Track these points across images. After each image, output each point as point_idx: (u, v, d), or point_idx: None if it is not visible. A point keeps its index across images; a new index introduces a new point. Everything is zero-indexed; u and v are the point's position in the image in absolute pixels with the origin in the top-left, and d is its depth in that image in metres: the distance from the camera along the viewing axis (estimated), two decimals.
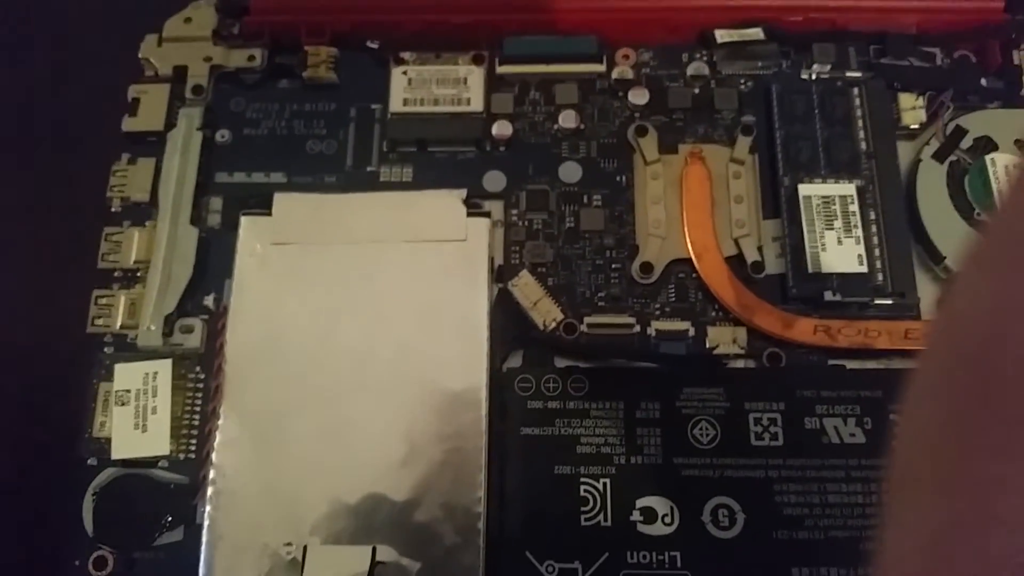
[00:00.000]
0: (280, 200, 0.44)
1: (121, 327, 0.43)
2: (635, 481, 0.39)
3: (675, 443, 0.40)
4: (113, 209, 0.46)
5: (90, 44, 0.51)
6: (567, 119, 0.47)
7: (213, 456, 0.40)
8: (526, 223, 0.45)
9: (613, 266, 0.44)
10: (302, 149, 0.47)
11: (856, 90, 0.46)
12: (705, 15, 0.48)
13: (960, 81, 0.47)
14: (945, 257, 0.43)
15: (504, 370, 0.42)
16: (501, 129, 0.46)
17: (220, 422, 0.40)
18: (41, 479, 0.42)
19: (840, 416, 0.40)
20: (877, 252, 0.43)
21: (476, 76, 0.48)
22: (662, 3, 0.48)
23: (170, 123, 0.47)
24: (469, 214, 0.44)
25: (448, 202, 0.44)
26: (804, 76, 0.47)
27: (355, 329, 0.42)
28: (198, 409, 0.42)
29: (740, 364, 0.42)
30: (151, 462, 0.41)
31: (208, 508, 0.39)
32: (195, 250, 0.44)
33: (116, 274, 0.45)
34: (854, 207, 0.44)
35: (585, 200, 0.46)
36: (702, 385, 0.41)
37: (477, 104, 0.47)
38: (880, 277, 0.43)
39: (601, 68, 0.48)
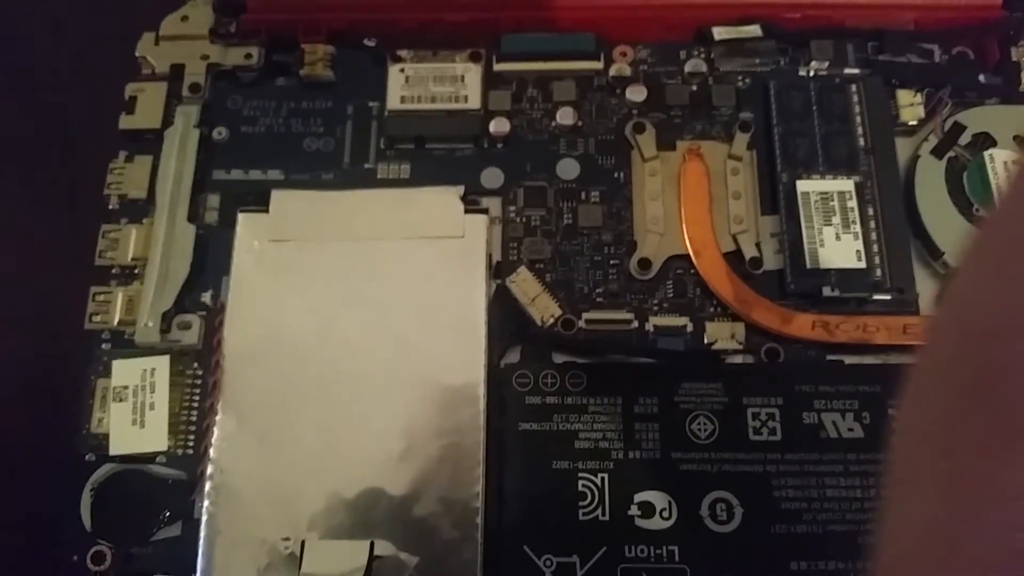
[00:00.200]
0: (277, 197, 0.44)
1: (119, 324, 0.43)
2: (633, 476, 0.39)
3: (673, 438, 0.40)
4: (111, 206, 0.46)
5: (87, 42, 0.51)
6: (565, 116, 0.47)
7: (211, 452, 0.39)
8: (524, 219, 0.45)
9: (611, 262, 0.44)
10: (299, 146, 0.47)
11: (854, 87, 0.46)
12: (703, 12, 0.48)
13: (958, 77, 0.47)
14: (944, 253, 0.43)
15: (502, 366, 0.42)
16: (499, 126, 0.46)
17: (218, 418, 0.40)
18: (39, 475, 0.42)
19: (838, 411, 0.40)
20: (875, 248, 0.43)
21: (473, 73, 0.48)
22: (660, 0, 0.48)
23: (167, 121, 0.47)
24: (467, 211, 0.44)
25: (446, 199, 0.44)
26: (802, 73, 0.47)
27: (353, 326, 0.41)
28: (196, 405, 0.42)
29: (738, 359, 0.42)
30: (149, 458, 0.41)
31: (206, 503, 0.39)
32: (193, 247, 0.44)
33: (114, 271, 0.45)
34: (852, 203, 0.44)
35: (583, 196, 0.46)
36: (700, 380, 0.41)
37: (475, 101, 0.47)
38: (878, 273, 0.43)
39: (599, 65, 0.48)
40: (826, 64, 0.47)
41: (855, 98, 0.46)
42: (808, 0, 0.48)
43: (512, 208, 0.45)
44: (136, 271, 0.44)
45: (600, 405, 0.40)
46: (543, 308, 0.43)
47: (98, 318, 0.43)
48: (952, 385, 0.18)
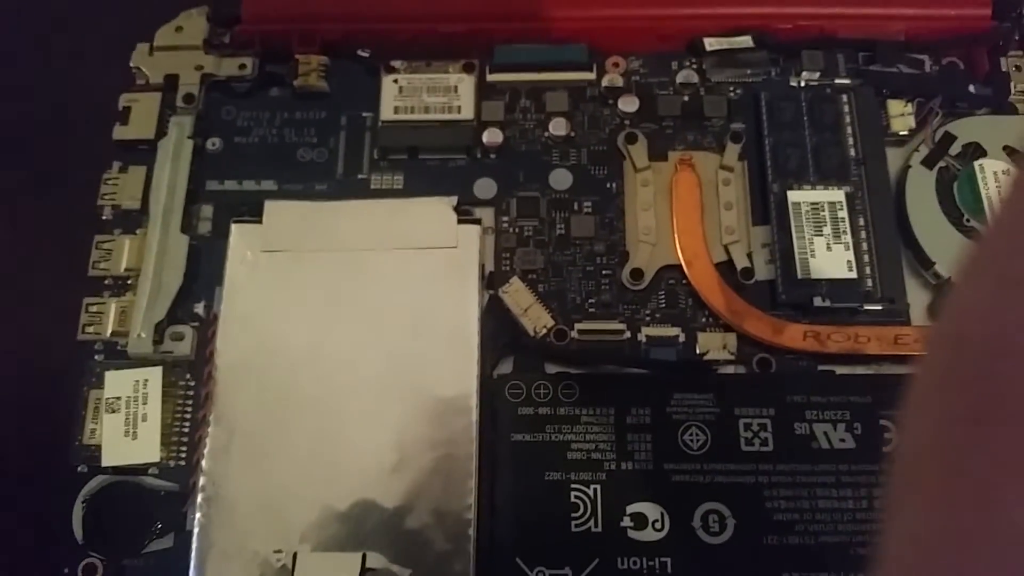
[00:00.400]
0: (271, 208, 0.44)
1: (112, 335, 0.43)
2: (625, 487, 0.39)
3: (665, 449, 0.40)
4: (104, 217, 0.46)
5: (82, 53, 0.51)
6: (557, 127, 0.47)
7: (203, 463, 0.39)
8: (517, 230, 0.45)
9: (603, 272, 0.44)
10: (293, 157, 0.47)
11: (845, 97, 0.47)
12: (694, 23, 0.48)
13: (948, 88, 0.47)
14: (934, 263, 0.43)
15: (495, 376, 0.42)
16: (492, 137, 0.47)
17: (210, 429, 0.40)
18: (31, 486, 0.42)
19: (830, 421, 0.40)
20: (866, 258, 0.43)
21: (467, 84, 0.48)
22: (652, 11, 0.48)
23: (161, 131, 0.47)
24: (460, 221, 0.44)
25: (439, 209, 0.44)
26: (793, 83, 0.48)
27: (346, 336, 0.42)
28: (188, 416, 0.42)
29: (730, 370, 0.42)
30: (141, 469, 0.41)
31: (198, 515, 0.39)
32: (186, 258, 0.44)
33: (107, 282, 0.45)
34: (843, 213, 0.44)
35: (575, 207, 0.46)
36: (692, 391, 0.41)
37: (468, 112, 0.47)
38: (869, 283, 0.43)
39: (591, 76, 0.48)
40: (817, 74, 0.47)
41: (846, 108, 0.46)
42: (799, 11, 0.48)
43: (505, 218, 0.46)
44: (129, 282, 0.44)
45: (592, 416, 0.40)
46: (536, 318, 0.43)
47: (91, 329, 0.43)
48: (953, 397, 0.18)
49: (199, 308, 0.44)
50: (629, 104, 0.47)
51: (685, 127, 0.47)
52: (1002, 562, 0.17)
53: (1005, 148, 0.45)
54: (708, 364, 0.42)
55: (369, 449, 0.39)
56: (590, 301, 0.44)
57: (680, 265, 0.44)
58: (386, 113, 0.47)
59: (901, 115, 0.46)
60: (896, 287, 0.43)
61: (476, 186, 0.46)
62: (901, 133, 0.46)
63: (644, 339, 0.43)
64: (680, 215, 0.45)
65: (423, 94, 0.48)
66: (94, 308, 0.44)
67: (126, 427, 0.41)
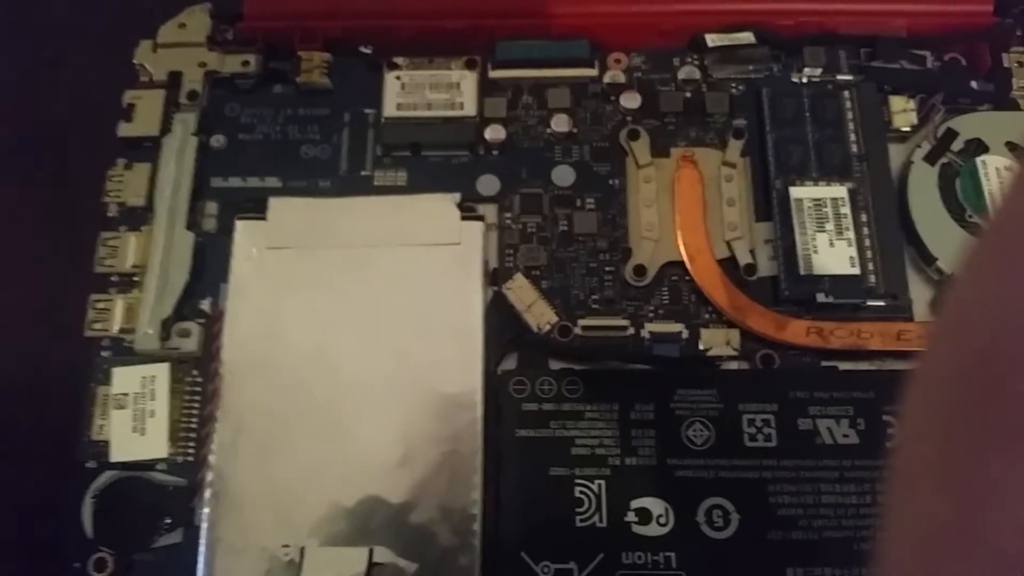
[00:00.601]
0: (275, 204, 0.44)
1: (119, 331, 0.43)
2: (630, 482, 0.39)
3: (669, 444, 0.40)
4: (109, 214, 0.46)
5: (85, 50, 0.51)
6: (560, 123, 0.47)
7: (211, 458, 0.40)
8: (520, 226, 0.45)
9: (606, 269, 0.44)
10: (297, 154, 0.47)
11: (847, 93, 0.47)
12: (696, 19, 0.48)
13: (950, 84, 0.47)
14: (937, 259, 0.43)
15: (499, 373, 0.42)
16: (494, 133, 0.47)
17: (218, 425, 0.40)
18: (40, 482, 0.42)
19: (833, 417, 0.40)
20: (869, 254, 0.43)
21: (469, 81, 0.48)
22: (654, 8, 0.48)
23: (165, 128, 0.47)
24: (463, 217, 0.44)
25: (442, 206, 0.44)
26: (795, 79, 0.48)
27: (350, 332, 0.42)
28: (196, 412, 0.42)
29: (733, 366, 0.43)
30: (149, 465, 0.41)
31: (206, 510, 0.39)
32: (191, 254, 0.44)
33: (113, 278, 0.45)
34: (846, 209, 0.44)
35: (578, 203, 0.46)
36: (696, 387, 0.41)
37: (470, 108, 0.47)
38: (872, 279, 0.43)
39: (593, 72, 0.48)
40: (819, 70, 0.47)
41: (848, 104, 0.46)
42: (801, 7, 0.48)
43: (508, 215, 0.46)
44: (135, 278, 0.44)
45: (596, 412, 0.40)
46: (539, 315, 0.43)
47: (98, 326, 0.44)
48: (953, 390, 0.18)
49: (205, 304, 0.44)
50: (631, 100, 0.47)
51: (687, 123, 0.47)
52: (1001, 559, 0.17)
53: (1007, 144, 0.45)
54: (711, 360, 0.43)
55: (375, 445, 0.40)
56: (593, 297, 0.44)
57: (683, 261, 0.44)
58: (389, 110, 0.47)
59: (903, 111, 0.47)
60: (899, 283, 0.43)
61: (479, 182, 0.46)
62: (903, 129, 0.46)
63: (647, 335, 0.43)
64: (682, 211, 0.45)
65: (426, 91, 0.48)
66: (101, 305, 0.44)
67: (134, 423, 0.42)
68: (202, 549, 0.39)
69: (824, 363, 0.42)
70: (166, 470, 0.42)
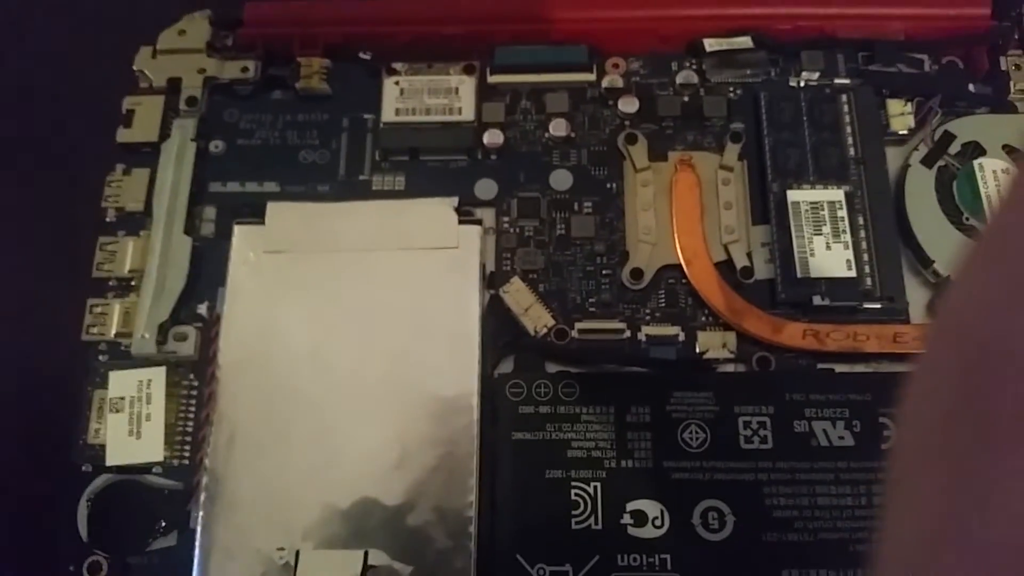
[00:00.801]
0: (273, 209, 0.44)
1: (115, 335, 0.44)
2: (626, 484, 0.39)
3: (665, 447, 0.40)
4: (108, 219, 0.46)
5: (85, 56, 0.51)
6: (558, 127, 0.47)
7: (206, 462, 0.40)
8: (517, 230, 0.45)
9: (604, 272, 0.44)
10: (295, 159, 0.47)
11: (844, 96, 0.47)
12: (694, 24, 0.48)
13: (948, 87, 0.47)
14: (934, 261, 0.43)
15: (496, 376, 0.42)
16: (492, 138, 0.47)
17: (213, 428, 0.40)
18: (36, 485, 0.42)
19: (829, 419, 0.40)
20: (866, 257, 0.43)
21: (467, 86, 0.48)
22: (651, 12, 0.49)
23: (164, 134, 0.47)
24: (461, 222, 0.44)
25: (440, 210, 0.44)
26: (792, 83, 0.48)
27: (348, 336, 0.42)
28: (192, 416, 0.42)
29: (730, 368, 0.43)
30: (145, 468, 0.42)
31: (201, 513, 0.39)
32: (189, 259, 0.44)
33: (111, 283, 0.45)
34: (843, 212, 0.44)
35: (576, 207, 0.46)
36: (692, 389, 0.41)
37: (468, 113, 0.47)
38: (869, 281, 0.43)
39: (591, 77, 0.48)
40: (816, 74, 0.48)
41: (845, 108, 0.46)
42: (799, 11, 0.48)
43: (505, 219, 0.46)
44: (133, 283, 0.45)
45: (593, 414, 0.40)
46: (536, 318, 0.43)
47: (95, 330, 0.44)
48: (953, 389, 0.18)
49: (202, 309, 0.44)
50: (629, 105, 0.47)
51: (685, 127, 0.47)
52: (1000, 562, 0.17)
53: (1004, 147, 0.45)
54: (708, 363, 0.42)
55: (371, 448, 0.40)
56: (590, 301, 0.44)
57: (680, 264, 0.44)
58: (387, 115, 0.48)
59: (900, 114, 0.47)
60: (895, 286, 0.43)
61: (477, 187, 0.46)
62: (900, 132, 0.46)
63: (644, 338, 0.43)
64: (680, 215, 0.45)
65: (424, 96, 0.48)
66: (98, 309, 0.44)
67: (130, 427, 0.42)
68: (197, 552, 0.39)
69: (820, 365, 0.42)
70: (161, 473, 0.42)
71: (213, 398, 0.41)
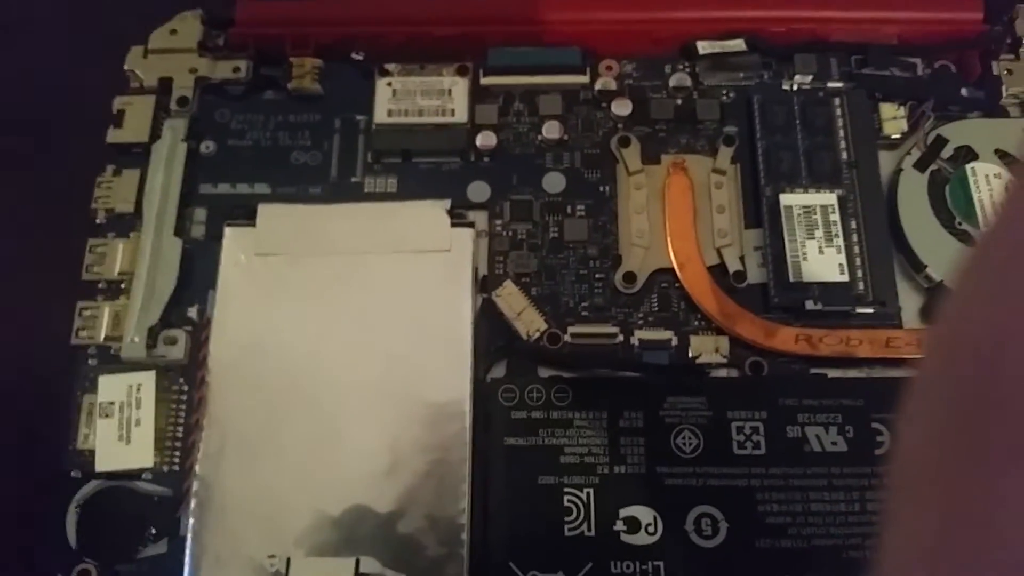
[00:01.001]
0: (264, 211, 0.44)
1: (105, 339, 0.43)
2: (618, 491, 0.39)
3: (658, 452, 0.40)
4: (98, 220, 0.46)
5: (75, 56, 0.51)
6: (551, 130, 0.47)
7: (197, 468, 0.40)
8: (510, 233, 0.45)
9: (596, 276, 0.44)
10: (287, 160, 0.47)
11: (837, 100, 0.47)
12: (687, 27, 0.48)
13: (940, 91, 0.47)
14: (926, 266, 0.43)
15: (488, 380, 0.42)
16: (485, 140, 0.47)
17: (204, 434, 0.40)
18: (24, 491, 0.42)
19: (822, 424, 0.40)
20: (858, 261, 0.43)
21: (460, 87, 0.48)
22: (645, 15, 0.49)
23: (155, 134, 0.47)
24: (453, 224, 0.44)
25: (432, 212, 0.44)
26: (786, 87, 0.48)
27: (339, 340, 0.42)
28: (182, 421, 0.42)
29: (723, 373, 0.42)
30: (135, 474, 0.41)
31: (192, 520, 0.39)
32: (179, 261, 0.44)
33: (100, 286, 0.45)
34: (835, 216, 0.44)
35: (569, 210, 0.46)
36: (685, 394, 0.41)
37: (461, 115, 0.47)
38: (861, 286, 0.43)
39: (584, 79, 0.48)
40: (810, 78, 0.47)
41: (838, 111, 0.46)
42: (792, 15, 0.48)
43: (498, 222, 0.46)
44: (123, 286, 0.44)
45: (585, 420, 0.40)
46: (529, 322, 0.43)
47: (84, 333, 0.43)
48: (952, 399, 0.18)
49: (192, 312, 0.44)
50: (622, 107, 0.47)
51: (678, 130, 0.47)
52: (1001, 561, 0.17)
53: (997, 151, 0.45)
54: (700, 367, 0.42)
55: (363, 454, 0.40)
56: (583, 304, 0.44)
57: (673, 268, 0.44)
58: (380, 116, 0.47)
59: (893, 118, 0.47)
60: (888, 290, 0.43)
61: (469, 189, 0.46)
62: (893, 136, 0.46)
63: (637, 342, 0.43)
64: (673, 218, 0.45)
65: (417, 97, 0.48)
66: (87, 312, 0.44)
67: (120, 432, 0.41)
68: (187, 560, 0.38)
69: (813, 370, 0.42)
70: (151, 480, 0.41)
71: (203, 403, 0.41)
